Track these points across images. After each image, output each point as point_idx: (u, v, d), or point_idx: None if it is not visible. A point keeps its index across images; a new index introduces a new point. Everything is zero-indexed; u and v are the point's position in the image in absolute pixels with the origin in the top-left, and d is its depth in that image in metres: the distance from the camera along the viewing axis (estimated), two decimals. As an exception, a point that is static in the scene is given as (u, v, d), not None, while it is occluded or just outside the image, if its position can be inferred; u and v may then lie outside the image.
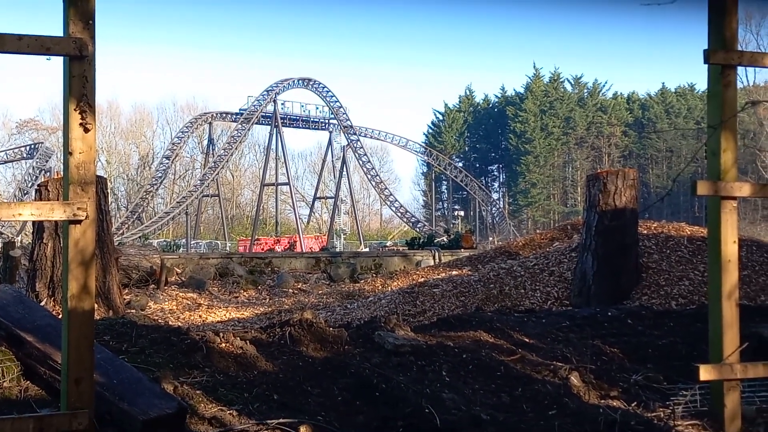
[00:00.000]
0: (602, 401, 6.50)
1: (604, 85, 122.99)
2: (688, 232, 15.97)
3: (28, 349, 5.90)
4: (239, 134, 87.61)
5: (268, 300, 19.93)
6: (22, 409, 5.44)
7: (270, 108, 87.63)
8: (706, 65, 5.99)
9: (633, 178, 13.94)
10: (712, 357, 5.97)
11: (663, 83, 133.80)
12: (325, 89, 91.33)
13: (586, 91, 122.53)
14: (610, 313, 9.45)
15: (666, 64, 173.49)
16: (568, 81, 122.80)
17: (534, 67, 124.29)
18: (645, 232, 15.50)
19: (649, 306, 11.47)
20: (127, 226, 78.34)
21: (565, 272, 15.25)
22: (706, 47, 5.97)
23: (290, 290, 21.58)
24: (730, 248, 5.91)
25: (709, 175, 6.02)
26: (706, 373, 5.83)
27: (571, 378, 6.81)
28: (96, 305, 6.51)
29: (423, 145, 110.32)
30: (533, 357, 7.44)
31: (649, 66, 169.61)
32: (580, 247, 14.59)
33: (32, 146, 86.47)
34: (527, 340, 8.09)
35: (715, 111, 5.96)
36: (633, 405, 6.43)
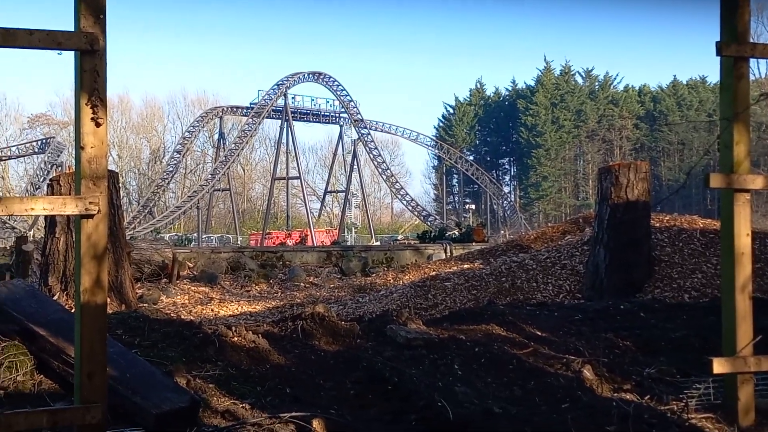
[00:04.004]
0: (615, 394, 6.48)
1: (615, 78, 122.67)
2: (701, 225, 15.92)
3: (41, 344, 5.92)
4: (250, 128, 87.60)
5: (279, 294, 19.97)
6: (36, 403, 5.47)
7: (280, 102, 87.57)
8: (719, 57, 5.96)
9: (645, 170, 13.90)
10: (726, 350, 5.95)
11: (674, 75, 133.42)
12: (336, 83, 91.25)
13: (597, 83, 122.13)
14: (622, 306, 9.43)
15: (678, 56, 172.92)
16: (579, 74, 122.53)
17: (545, 60, 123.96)
18: (657, 225, 15.46)
19: (661, 299, 11.44)
20: (138, 220, 78.47)
21: (577, 265, 15.23)
22: (718, 39, 5.94)
23: (302, 284, 21.61)
24: (743, 241, 5.89)
25: (721, 167, 5.99)
26: (719, 366, 5.81)
27: (583, 371, 6.79)
28: (108, 299, 6.53)
29: (434, 138, 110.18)
30: (546, 350, 7.43)
31: (661, 58, 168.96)
32: (592, 240, 14.56)
33: (44, 141, 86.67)
34: (539, 334, 8.08)
35: (727, 103, 5.93)
36: (646, 398, 6.41)
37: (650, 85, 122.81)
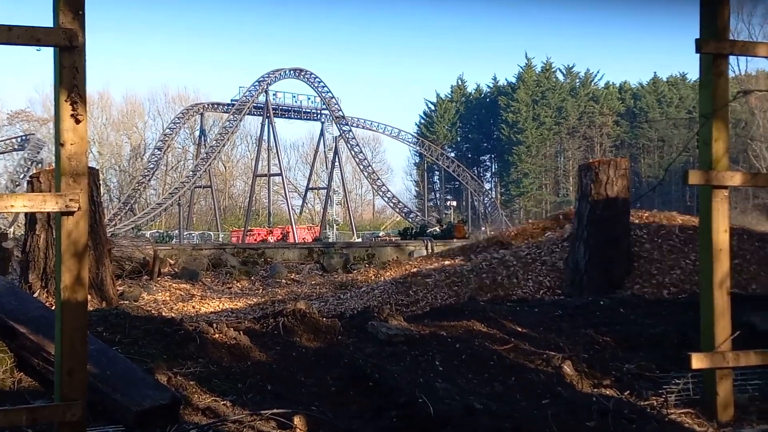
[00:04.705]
0: (595, 390, 6.52)
1: (596, 75, 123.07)
2: (680, 222, 16.01)
3: (21, 341, 5.89)
4: (231, 125, 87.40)
5: (261, 291, 19.92)
6: (16, 401, 5.44)
7: (261, 98, 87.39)
8: (698, 55, 6.00)
9: (625, 167, 13.95)
10: (704, 345, 5.99)
11: (655, 72, 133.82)
12: (317, 79, 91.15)
13: (578, 80, 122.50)
14: (602, 303, 9.48)
15: (658, 53, 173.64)
16: (560, 71, 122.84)
17: (526, 56, 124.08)
18: (637, 221, 15.53)
19: (641, 295, 11.51)
20: (119, 217, 78.15)
21: (557, 262, 15.28)
22: (698, 37, 5.98)
23: (283, 281, 21.58)
24: (721, 237, 5.93)
25: (700, 164, 6.04)
26: (698, 361, 5.85)
27: (563, 367, 6.83)
28: (89, 296, 6.51)
29: (415, 135, 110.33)
30: (526, 346, 7.46)
31: (641, 55, 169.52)
32: (572, 236, 14.61)
33: (23, 137, 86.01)
34: (520, 330, 8.11)
35: (707, 100, 5.97)
36: (626, 393, 6.46)
37: (631, 82, 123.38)
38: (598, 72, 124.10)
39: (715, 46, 5.90)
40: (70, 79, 4.03)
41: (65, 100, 4.03)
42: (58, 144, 4.04)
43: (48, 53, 4.16)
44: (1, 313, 6.06)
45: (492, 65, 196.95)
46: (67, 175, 4.02)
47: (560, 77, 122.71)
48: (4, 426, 4.63)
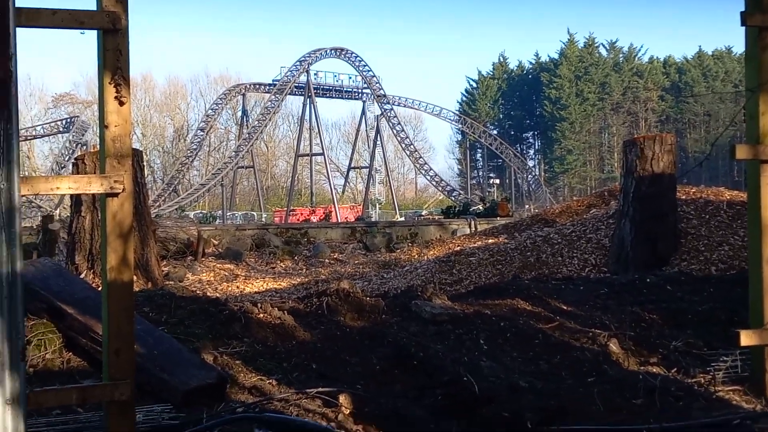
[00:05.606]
0: (642, 368, 6.46)
1: (639, 50, 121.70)
2: (728, 197, 15.79)
3: (69, 322, 5.97)
4: (273, 105, 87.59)
5: (304, 270, 20.03)
6: (65, 380, 5.52)
7: (303, 78, 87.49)
8: (744, 27, 5.89)
9: (670, 143, 13.79)
10: (753, 322, 5.91)
11: (700, 46, 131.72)
12: (358, 58, 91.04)
13: (621, 55, 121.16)
14: (648, 280, 9.38)
15: (703, 26, 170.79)
16: (603, 46, 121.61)
17: (568, 32, 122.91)
18: (683, 197, 15.36)
19: (688, 272, 11.37)
20: (163, 198, 78.82)
21: (602, 239, 15.17)
22: (743, 9, 5.86)
23: (326, 260, 21.68)
24: (770, 212, 5.83)
25: (747, 138, 5.93)
26: (746, 338, 5.78)
27: (610, 345, 6.77)
28: (135, 277, 6.57)
29: (457, 113, 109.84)
30: (571, 324, 7.42)
31: (686, 29, 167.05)
32: (617, 213, 14.49)
33: (68, 120, 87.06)
34: (565, 308, 8.06)
35: (753, 74, 5.86)
36: (673, 371, 6.39)
37: (675, 57, 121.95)
38: (641, 46, 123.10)
39: (760, 18, 5.78)
40: (114, 62, 4.04)
41: (109, 83, 4.04)
42: (103, 126, 4.06)
43: (92, 36, 4.18)
44: (49, 294, 6.14)
45: (534, 42, 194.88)
46: (111, 156, 4.04)
47: (603, 52, 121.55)
48: (55, 405, 4.69)
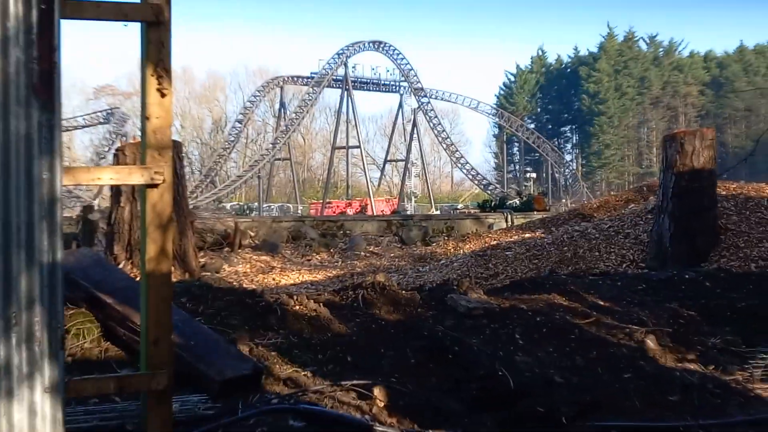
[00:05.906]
0: (679, 364, 6.41)
1: (679, 44, 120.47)
2: (768, 193, 15.62)
3: (107, 311, 6.03)
4: (310, 98, 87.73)
5: (340, 263, 20.08)
6: (103, 369, 5.58)
7: (341, 71, 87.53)
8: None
9: (711, 138, 13.65)
10: (793, 320, 5.85)
11: (741, 41, 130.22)
12: (396, 51, 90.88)
13: (661, 49, 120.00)
14: (687, 276, 9.31)
15: (744, 21, 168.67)
16: (643, 40, 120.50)
17: (608, 26, 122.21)
18: (723, 193, 15.21)
19: (727, 268, 11.26)
20: (201, 189, 79.26)
21: (640, 234, 15.05)
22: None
23: (362, 253, 21.71)
24: (812, 209, 5.76)
25: (791, 134, 5.86)
26: (786, 336, 5.71)
27: (646, 341, 6.73)
28: (173, 268, 6.62)
29: (494, 106, 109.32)
30: (608, 320, 7.37)
31: (727, 23, 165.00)
32: (656, 208, 14.37)
33: (109, 111, 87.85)
34: (602, 303, 8.02)
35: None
36: (710, 368, 6.34)
37: (716, 51, 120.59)
38: (682, 41, 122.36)
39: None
40: (156, 54, 4.07)
41: (151, 75, 4.07)
42: (144, 117, 4.09)
43: (134, 28, 4.21)
44: (89, 284, 6.21)
45: (573, 36, 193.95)
46: (152, 148, 4.07)
47: (643, 46, 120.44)
48: (94, 394, 4.74)
